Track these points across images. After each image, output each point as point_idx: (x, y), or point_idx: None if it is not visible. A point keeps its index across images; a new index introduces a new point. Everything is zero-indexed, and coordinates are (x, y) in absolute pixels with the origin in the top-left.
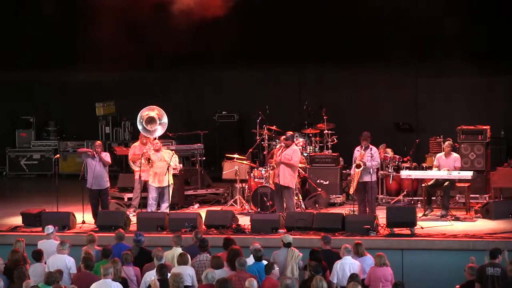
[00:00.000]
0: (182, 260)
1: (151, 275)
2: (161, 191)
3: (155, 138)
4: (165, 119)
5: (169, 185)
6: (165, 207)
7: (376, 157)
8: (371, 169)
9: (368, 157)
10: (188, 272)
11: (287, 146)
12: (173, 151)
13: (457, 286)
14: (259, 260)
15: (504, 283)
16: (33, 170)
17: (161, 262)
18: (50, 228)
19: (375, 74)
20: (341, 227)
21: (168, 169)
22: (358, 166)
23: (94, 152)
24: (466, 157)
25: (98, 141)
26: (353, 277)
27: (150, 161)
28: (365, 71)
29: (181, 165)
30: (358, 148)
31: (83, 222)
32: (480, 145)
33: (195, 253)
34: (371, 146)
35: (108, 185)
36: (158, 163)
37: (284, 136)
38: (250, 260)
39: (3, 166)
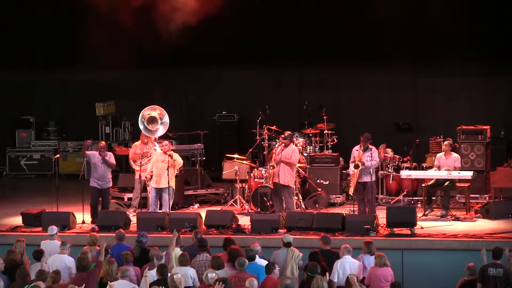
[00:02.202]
0: (184, 260)
1: (150, 275)
2: (160, 193)
3: (156, 138)
4: (166, 119)
5: (169, 187)
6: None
7: (376, 157)
8: (371, 169)
9: (368, 157)
10: (189, 273)
11: (285, 146)
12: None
13: (461, 279)
14: (251, 260)
15: (507, 283)
16: (33, 170)
17: (161, 262)
18: (54, 229)
19: (375, 74)
20: (341, 227)
21: (167, 172)
22: (356, 166)
23: (99, 152)
24: (466, 157)
25: (103, 142)
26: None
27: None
28: (365, 71)
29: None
30: (356, 147)
31: (83, 222)
32: (480, 145)
33: (195, 253)
34: (371, 146)
35: (110, 184)
36: (159, 164)
37: (283, 136)
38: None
39: (3, 166)
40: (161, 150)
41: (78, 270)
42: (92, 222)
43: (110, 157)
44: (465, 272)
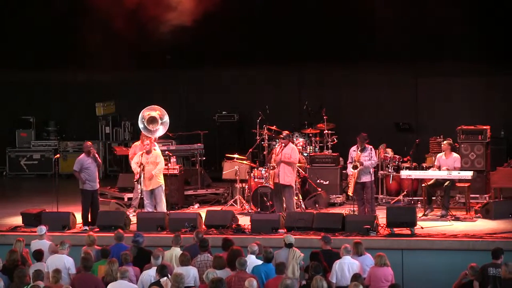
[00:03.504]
0: (185, 260)
1: (147, 275)
2: (151, 193)
3: (156, 139)
4: (166, 119)
5: (160, 187)
6: (161, 209)
7: (374, 156)
8: (370, 169)
9: (366, 157)
10: (191, 273)
11: (285, 145)
12: (169, 153)
13: (463, 272)
14: (268, 262)
15: (506, 283)
16: (33, 170)
17: (158, 261)
18: (43, 229)
19: (375, 74)
20: (341, 227)
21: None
22: (355, 167)
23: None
24: (466, 157)
25: (89, 142)
26: (356, 277)
27: (143, 166)
28: (365, 71)
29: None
30: (354, 148)
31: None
32: (480, 145)
33: (196, 253)
34: (369, 146)
35: (99, 186)
36: (145, 167)
37: (281, 136)
38: (253, 261)
39: (3, 166)
40: (144, 150)
41: (83, 270)
42: (84, 224)
43: (97, 156)
44: (467, 271)
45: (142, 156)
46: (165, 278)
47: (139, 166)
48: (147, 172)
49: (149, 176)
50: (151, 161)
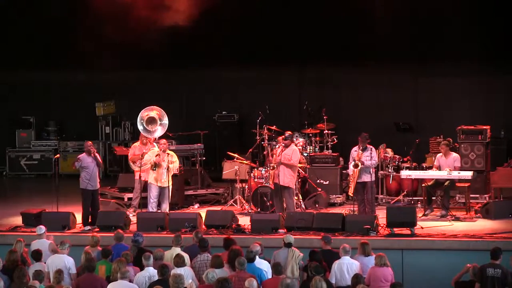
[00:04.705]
0: (180, 261)
1: (141, 276)
2: (160, 191)
3: (155, 139)
4: (165, 120)
5: (168, 186)
6: (165, 208)
7: (374, 156)
8: (371, 169)
9: (367, 157)
10: (189, 274)
11: (286, 146)
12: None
13: (466, 266)
14: (250, 262)
15: (504, 284)
16: (33, 170)
17: (149, 261)
18: (42, 228)
19: (375, 74)
20: (341, 227)
21: (167, 170)
22: (356, 166)
23: (89, 152)
24: (466, 157)
25: (89, 142)
26: (357, 277)
27: (157, 165)
28: (365, 71)
29: (180, 165)
30: (355, 148)
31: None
32: (480, 145)
33: (196, 253)
34: (370, 146)
35: (99, 186)
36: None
37: (283, 136)
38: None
39: (3, 166)
40: (159, 149)
41: (87, 271)
42: (84, 224)
43: (99, 156)
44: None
45: (159, 160)
46: (191, 280)
47: (156, 156)
48: (161, 169)
49: (163, 173)
50: (168, 160)
